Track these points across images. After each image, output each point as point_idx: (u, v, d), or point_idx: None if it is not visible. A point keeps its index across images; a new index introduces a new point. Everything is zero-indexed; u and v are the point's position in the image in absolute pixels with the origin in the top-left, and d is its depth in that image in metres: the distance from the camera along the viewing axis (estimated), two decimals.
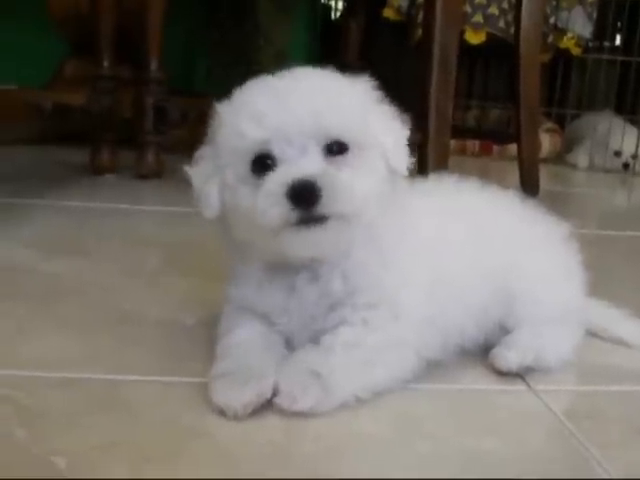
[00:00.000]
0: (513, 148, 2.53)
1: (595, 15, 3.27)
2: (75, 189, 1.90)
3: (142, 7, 2.00)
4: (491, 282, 0.92)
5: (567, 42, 3.26)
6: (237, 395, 0.76)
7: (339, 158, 0.79)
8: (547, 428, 0.82)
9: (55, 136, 2.41)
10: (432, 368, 0.88)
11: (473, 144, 3.37)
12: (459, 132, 2.96)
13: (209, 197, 0.83)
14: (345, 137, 0.79)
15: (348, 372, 0.80)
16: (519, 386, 0.91)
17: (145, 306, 1.08)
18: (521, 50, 2.20)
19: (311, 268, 0.84)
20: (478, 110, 3.53)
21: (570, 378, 0.97)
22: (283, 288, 0.85)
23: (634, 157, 3.24)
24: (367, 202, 0.79)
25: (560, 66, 3.39)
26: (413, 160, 0.86)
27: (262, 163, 0.79)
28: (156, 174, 2.06)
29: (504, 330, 0.95)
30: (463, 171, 1.01)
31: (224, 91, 0.85)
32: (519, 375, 0.92)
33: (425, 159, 1.91)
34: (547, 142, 3.29)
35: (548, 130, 3.34)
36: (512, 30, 2.43)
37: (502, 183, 1.04)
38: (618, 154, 3.24)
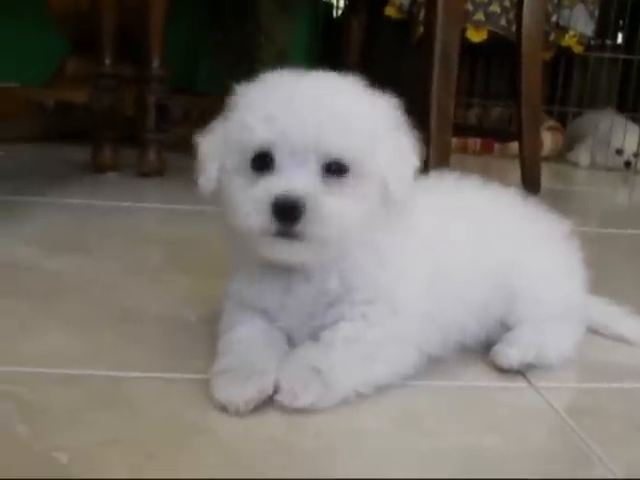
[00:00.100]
0: (514, 146, 2.53)
1: (597, 13, 3.27)
2: (77, 187, 1.90)
3: (144, 4, 1.99)
4: (492, 279, 0.93)
5: (569, 40, 3.25)
6: (239, 391, 0.76)
7: (336, 179, 0.79)
8: (548, 425, 0.82)
9: (57, 134, 2.41)
10: (433, 365, 0.88)
11: (474, 142, 3.37)
12: (460, 130, 2.96)
13: (209, 171, 0.83)
14: (346, 160, 0.79)
15: (348, 367, 0.81)
16: (520, 383, 0.91)
17: (147, 303, 1.08)
18: (523, 48, 2.19)
19: (304, 268, 0.84)
20: (480, 108, 3.53)
21: (571, 375, 0.97)
22: (280, 286, 0.85)
23: (636, 155, 3.24)
24: (350, 229, 0.79)
25: (562, 64, 3.39)
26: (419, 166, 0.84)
27: (262, 160, 0.79)
28: (158, 172, 2.06)
29: (505, 327, 0.96)
30: (464, 169, 1.01)
31: (226, 90, 0.85)
32: (520, 372, 0.92)
33: (426, 157, 1.90)
34: (549, 140, 3.29)
35: (550, 128, 3.34)
36: (514, 28, 2.42)
37: (503, 181, 1.04)
38: (620, 152, 3.24)
